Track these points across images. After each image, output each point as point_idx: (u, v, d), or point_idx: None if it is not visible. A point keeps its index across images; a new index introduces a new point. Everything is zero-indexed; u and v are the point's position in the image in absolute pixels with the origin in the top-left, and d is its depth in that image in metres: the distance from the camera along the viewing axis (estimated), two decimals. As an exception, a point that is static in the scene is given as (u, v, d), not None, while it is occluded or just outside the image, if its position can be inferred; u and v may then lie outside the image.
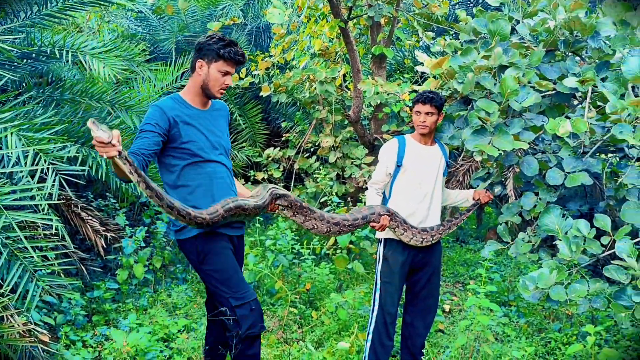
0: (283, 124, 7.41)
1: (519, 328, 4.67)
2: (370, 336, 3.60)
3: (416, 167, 3.60)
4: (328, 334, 4.27)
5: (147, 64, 6.20)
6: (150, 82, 5.91)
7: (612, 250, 3.35)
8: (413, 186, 3.62)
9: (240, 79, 6.42)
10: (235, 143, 7.64)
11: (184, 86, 6.53)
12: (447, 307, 5.17)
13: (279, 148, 6.74)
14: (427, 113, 3.55)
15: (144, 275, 4.79)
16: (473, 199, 3.92)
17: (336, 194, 5.97)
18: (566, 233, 3.42)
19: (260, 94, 6.41)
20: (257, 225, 5.55)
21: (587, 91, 3.40)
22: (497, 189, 4.43)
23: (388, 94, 5.38)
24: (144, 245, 5.07)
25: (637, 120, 3.14)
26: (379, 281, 3.63)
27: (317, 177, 6.01)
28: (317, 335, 4.27)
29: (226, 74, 2.92)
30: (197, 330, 4.17)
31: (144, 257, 4.84)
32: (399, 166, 3.60)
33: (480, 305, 4.02)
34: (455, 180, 6.82)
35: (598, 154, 4.03)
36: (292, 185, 6.46)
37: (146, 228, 5.13)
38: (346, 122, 6.22)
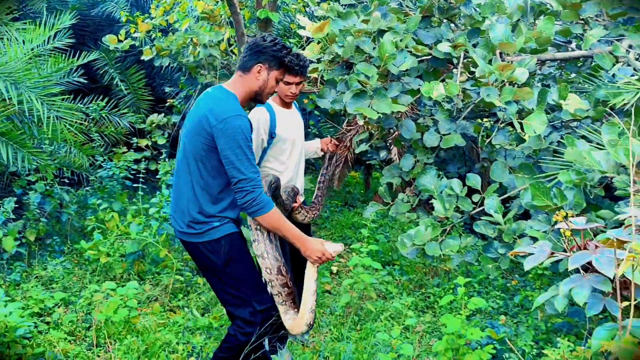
0: (167, 90, 7.16)
1: (401, 285, 4.90)
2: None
3: (287, 135, 3.58)
4: (215, 300, 4.24)
5: (14, 23, 5.71)
6: (17, 43, 5.45)
7: (483, 207, 3.57)
8: (285, 154, 3.60)
9: (119, 41, 6.09)
10: (117, 109, 7.30)
11: (57, 48, 6.18)
12: (334, 269, 5.30)
13: (163, 114, 6.52)
14: (297, 83, 3.52)
15: (15, 249, 4.49)
16: (322, 150, 3.97)
17: (223, 160, 5.88)
18: (441, 192, 3.60)
19: (142, 58, 6.13)
20: (140, 193, 5.36)
21: (460, 56, 3.55)
22: (383, 153, 4.56)
23: (273, 59, 5.33)
24: (15, 217, 4.73)
25: (503, 84, 3.33)
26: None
27: (203, 144, 5.87)
28: (204, 302, 4.24)
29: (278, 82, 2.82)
30: (75, 303, 3.98)
31: (15, 229, 4.53)
32: (272, 137, 3.53)
33: (363, 264, 4.16)
34: (344, 146, 6.92)
35: (476, 119, 4.25)
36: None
37: (16, 199, 4.79)
38: (232, 87, 6.10)
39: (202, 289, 4.41)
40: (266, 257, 2.68)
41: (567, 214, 1.77)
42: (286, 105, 3.62)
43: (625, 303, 1.48)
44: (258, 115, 3.50)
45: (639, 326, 1.61)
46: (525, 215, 3.65)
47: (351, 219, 7.04)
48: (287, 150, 3.58)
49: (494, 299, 4.40)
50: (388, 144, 4.59)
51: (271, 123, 3.48)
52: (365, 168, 8.18)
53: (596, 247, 1.69)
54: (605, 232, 1.83)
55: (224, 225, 2.67)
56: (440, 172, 3.83)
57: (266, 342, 2.85)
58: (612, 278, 1.56)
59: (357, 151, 4.18)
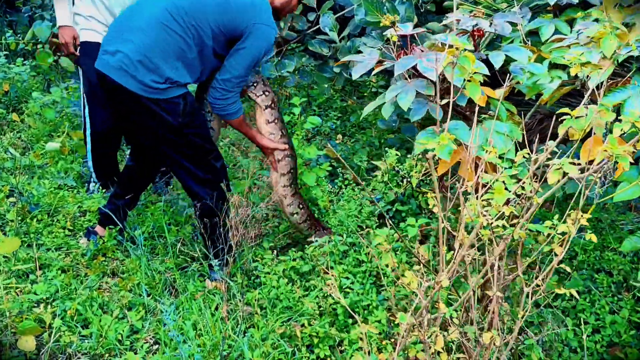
0: None
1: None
2: (90, 161, 3.21)
3: None
4: (37, 137, 3.87)
5: None
6: None
7: (318, 26, 3.46)
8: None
9: None
10: None
11: None
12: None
13: None
14: None
15: None
16: None
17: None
18: (276, 10, 3.40)
19: None
20: None
21: None
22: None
23: None
24: None
25: None
26: (84, 97, 3.11)
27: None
28: (24, 141, 3.85)
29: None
30: None
31: None
32: None
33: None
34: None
35: None
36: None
37: None
38: None
39: (20, 127, 3.98)
40: None
41: (394, 19, 1.69)
42: None
43: (445, 101, 1.49)
44: None
45: (456, 126, 1.66)
46: (363, 34, 3.60)
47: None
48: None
49: (333, 121, 4.49)
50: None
51: None
52: None
53: (422, 51, 1.66)
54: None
55: (181, 87, 2.38)
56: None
57: None
58: (434, 81, 1.55)
59: None
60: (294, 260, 2.61)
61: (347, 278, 2.47)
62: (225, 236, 2.57)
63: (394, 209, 3.32)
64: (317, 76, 3.37)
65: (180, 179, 2.51)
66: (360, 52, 3.31)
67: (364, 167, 3.67)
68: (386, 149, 3.92)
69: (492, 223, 1.29)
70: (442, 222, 1.40)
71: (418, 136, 1.60)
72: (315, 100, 4.74)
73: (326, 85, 3.40)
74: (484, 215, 1.35)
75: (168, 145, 2.40)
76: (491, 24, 1.71)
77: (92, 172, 3.25)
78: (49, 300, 2.36)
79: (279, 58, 3.43)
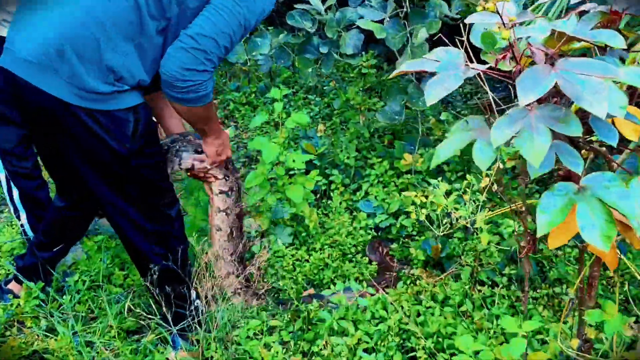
0: None
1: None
2: (20, 206, 2.31)
3: None
4: None
5: None
6: None
7: (296, -8, 2.71)
8: None
9: None
10: None
11: None
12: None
13: None
14: None
15: None
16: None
17: None
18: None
19: None
20: None
21: None
22: None
23: None
24: None
25: None
26: None
27: None
28: None
29: None
30: None
31: None
32: None
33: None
34: None
35: None
36: None
37: None
38: None
39: None
40: None
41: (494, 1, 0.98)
42: None
43: None
44: None
45: (607, 182, 0.97)
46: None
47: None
48: None
49: (308, 105, 3.76)
50: None
51: None
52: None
53: (546, 55, 0.95)
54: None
55: (133, 93, 1.56)
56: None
57: None
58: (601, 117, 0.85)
59: None
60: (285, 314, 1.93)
61: (369, 351, 1.81)
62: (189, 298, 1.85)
63: (398, 224, 2.67)
64: (299, 59, 2.60)
65: (120, 231, 1.74)
66: (353, 24, 2.57)
67: (354, 165, 2.99)
68: (375, 139, 3.24)
69: None
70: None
71: (543, 201, 0.90)
72: (302, 87, 3.96)
73: (310, 70, 2.63)
74: None
75: (105, 181, 1.62)
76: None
77: (22, 220, 2.31)
78: None
79: (249, 36, 2.64)
